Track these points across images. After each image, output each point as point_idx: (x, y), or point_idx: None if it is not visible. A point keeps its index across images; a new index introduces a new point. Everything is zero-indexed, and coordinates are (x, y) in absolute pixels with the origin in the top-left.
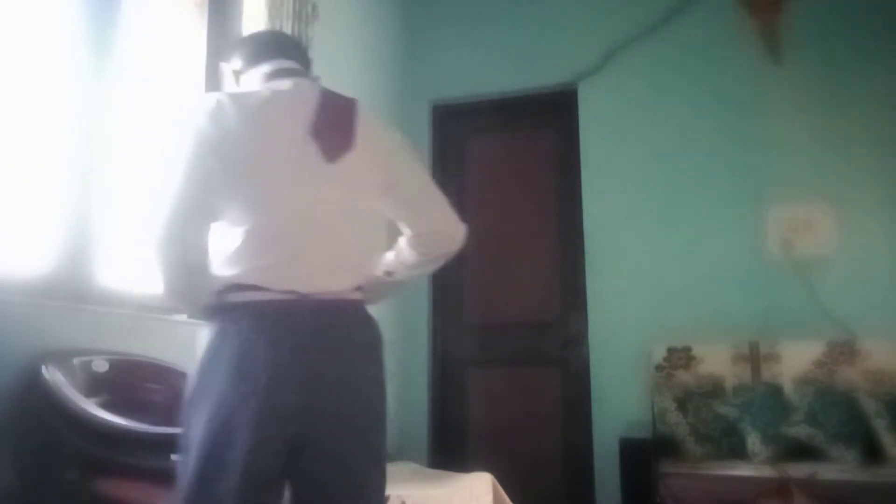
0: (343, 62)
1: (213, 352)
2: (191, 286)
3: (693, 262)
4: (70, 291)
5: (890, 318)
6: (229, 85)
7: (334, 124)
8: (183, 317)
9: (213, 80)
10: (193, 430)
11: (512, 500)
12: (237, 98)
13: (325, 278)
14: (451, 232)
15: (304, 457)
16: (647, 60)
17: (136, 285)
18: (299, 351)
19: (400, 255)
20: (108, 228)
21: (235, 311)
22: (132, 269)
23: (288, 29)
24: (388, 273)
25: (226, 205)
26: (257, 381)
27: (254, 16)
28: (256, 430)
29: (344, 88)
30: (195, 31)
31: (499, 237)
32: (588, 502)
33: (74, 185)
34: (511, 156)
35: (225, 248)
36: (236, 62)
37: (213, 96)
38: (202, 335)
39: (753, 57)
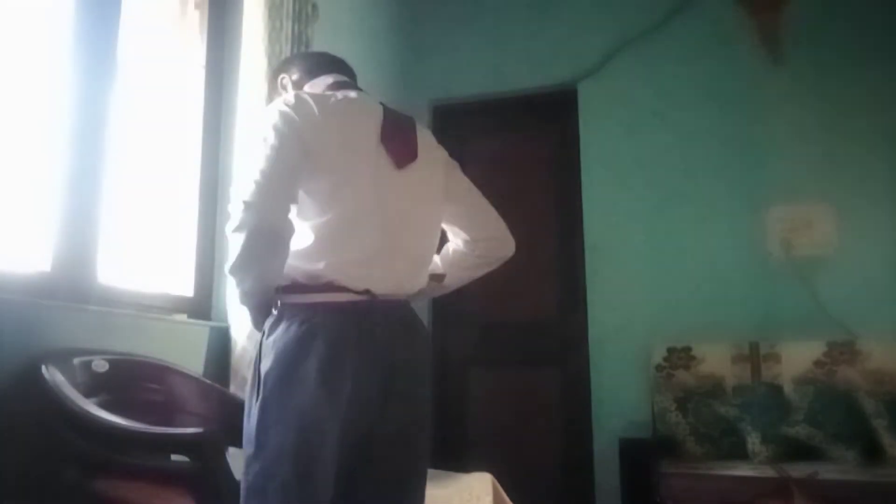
0: None
1: (295, 355)
2: (271, 259)
3: (693, 263)
4: (70, 291)
5: (890, 318)
6: (284, 93)
7: (400, 135)
8: (183, 316)
9: (214, 80)
10: (275, 435)
11: (512, 500)
12: (314, 97)
13: (397, 281)
14: (507, 240)
15: (369, 450)
16: (647, 60)
17: (137, 285)
18: (378, 358)
19: (453, 257)
20: (108, 228)
21: (316, 312)
22: (132, 268)
23: (288, 29)
24: (440, 277)
25: (304, 194)
26: (343, 390)
27: (254, 16)
28: (342, 436)
29: None
30: (195, 30)
31: None
32: (588, 502)
33: (74, 184)
34: (511, 156)
35: (302, 240)
36: (294, 73)
37: (293, 93)
38: (277, 331)
39: (753, 57)
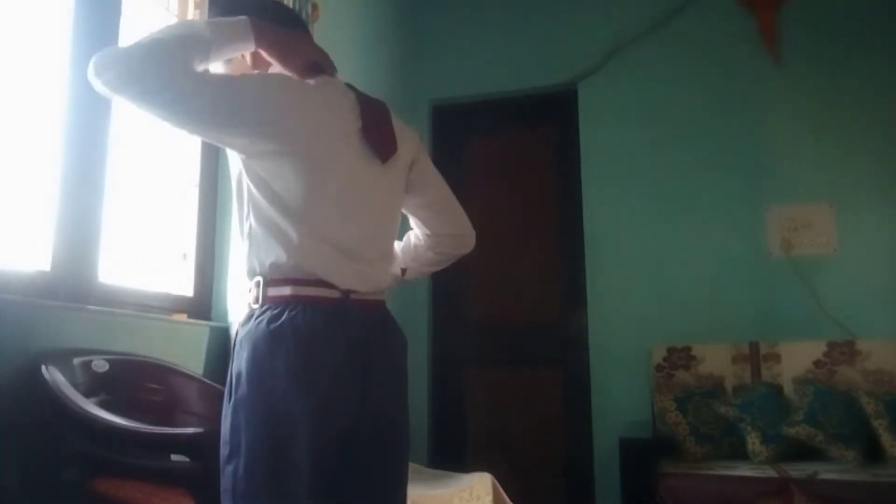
0: (343, 62)
1: (263, 353)
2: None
3: (693, 262)
4: (70, 291)
5: (890, 318)
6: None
7: (380, 125)
8: (183, 316)
9: None
10: (246, 437)
11: (512, 500)
12: (290, 80)
13: (373, 278)
14: (469, 235)
15: (350, 449)
16: (647, 60)
17: (137, 285)
18: (353, 356)
19: (414, 252)
20: (108, 228)
21: (287, 307)
22: (132, 268)
23: None
24: (403, 271)
25: (278, 185)
26: (315, 388)
27: None
28: (316, 435)
29: None
30: None
31: (499, 237)
32: (588, 502)
33: (74, 184)
34: (511, 155)
35: (277, 232)
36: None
37: (270, 72)
38: (248, 327)
39: (753, 57)
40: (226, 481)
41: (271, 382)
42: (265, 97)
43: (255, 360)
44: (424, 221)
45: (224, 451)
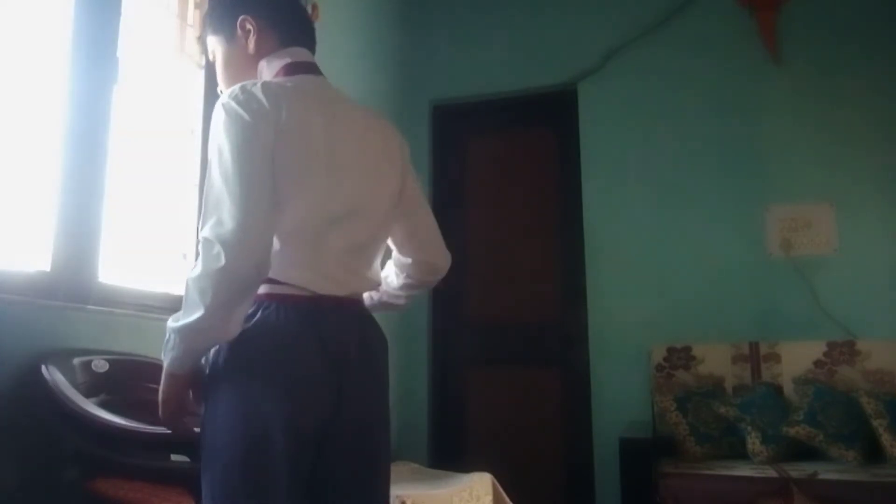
0: (343, 62)
1: (242, 351)
2: (242, 307)
3: (693, 262)
4: (70, 291)
5: (890, 318)
6: (247, 41)
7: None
8: None
9: (213, 80)
10: (221, 442)
11: (512, 500)
12: (268, 88)
13: (349, 284)
14: (443, 263)
15: (327, 452)
16: (647, 60)
17: (137, 285)
18: (328, 354)
19: (385, 281)
20: (108, 228)
21: (261, 307)
22: (132, 268)
23: None
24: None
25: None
26: (291, 387)
27: None
28: (290, 439)
29: (344, 89)
30: (193, 29)
31: (499, 237)
32: (588, 502)
33: (74, 184)
34: (511, 155)
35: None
36: (263, 23)
37: (250, 81)
38: None
39: (753, 57)
40: (204, 488)
41: (245, 382)
42: (262, 153)
43: (230, 360)
44: (402, 242)
45: (202, 456)
